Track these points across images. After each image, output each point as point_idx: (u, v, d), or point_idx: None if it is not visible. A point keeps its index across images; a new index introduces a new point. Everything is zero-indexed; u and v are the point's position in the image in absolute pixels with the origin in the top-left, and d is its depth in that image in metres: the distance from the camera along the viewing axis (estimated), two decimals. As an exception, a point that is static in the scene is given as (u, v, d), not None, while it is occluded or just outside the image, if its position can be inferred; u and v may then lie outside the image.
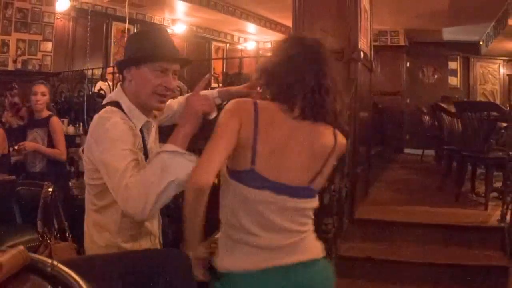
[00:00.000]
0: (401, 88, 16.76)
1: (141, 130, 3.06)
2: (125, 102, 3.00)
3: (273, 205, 2.59)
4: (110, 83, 9.59)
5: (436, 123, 11.47)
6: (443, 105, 10.82)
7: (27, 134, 6.98)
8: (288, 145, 2.64)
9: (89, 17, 13.10)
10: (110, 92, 9.44)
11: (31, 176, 6.59)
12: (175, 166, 2.56)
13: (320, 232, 4.90)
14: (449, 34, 17.44)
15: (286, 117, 2.64)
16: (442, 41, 18.45)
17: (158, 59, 2.99)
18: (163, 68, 2.98)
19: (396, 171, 11.80)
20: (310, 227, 2.77)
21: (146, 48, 3.01)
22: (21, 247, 1.99)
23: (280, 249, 2.63)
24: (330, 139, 2.72)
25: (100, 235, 2.99)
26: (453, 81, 19.18)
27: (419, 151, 14.31)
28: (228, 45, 18.66)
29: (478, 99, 18.39)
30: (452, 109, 9.16)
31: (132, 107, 3.01)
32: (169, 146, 2.60)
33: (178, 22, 15.29)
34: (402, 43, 16.93)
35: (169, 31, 14.70)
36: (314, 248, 2.75)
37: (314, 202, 2.75)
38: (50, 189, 5.25)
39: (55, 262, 1.94)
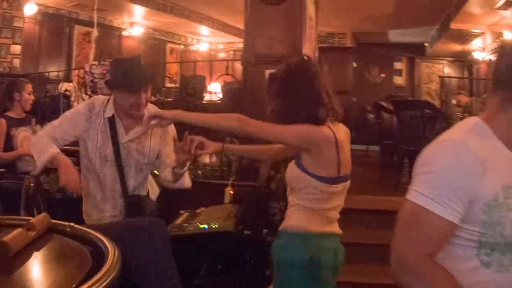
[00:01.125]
0: (348, 87, 16.89)
1: (113, 121, 4.13)
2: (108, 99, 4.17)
3: (342, 191, 3.61)
4: (76, 85, 10.12)
5: (379, 120, 12.15)
6: (382, 103, 11.58)
7: (12, 134, 6.82)
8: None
9: (64, 23, 13.37)
10: (76, 93, 9.99)
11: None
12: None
13: (268, 215, 5.60)
14: (395, 36, 17.93)
15: (337, 126, 3.58)
16: (388, 43, 18.96)
17: (127, 88, 3.98)
18: (132, 92, 3.94)
19: (342, 165, 12.20)
20: None
21: (119, 77, 4.00)
22: (45, 213, 2.65)
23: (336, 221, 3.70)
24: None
25: None
26: (398, 80, 19.80)
27: (365, 147, 14.66)
28: (182, 46, 18.92)
29: (422, 98, 18.84)
30: (391, 107, 9.91)
31: (109, 104, 4.15)
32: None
33: (136, 25, 15.55)
34: (349, 44, 17.35)
35: (126, 33, 15.10)
36: None
37: None
38: (32, 182, 5.76)
39: (71, 224, 2.61)
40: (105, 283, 1.83)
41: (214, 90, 13.73)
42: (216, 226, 5.10)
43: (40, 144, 3.98)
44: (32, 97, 7.06)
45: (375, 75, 19.35)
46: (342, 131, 3.58)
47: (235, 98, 8.54)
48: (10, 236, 2.21)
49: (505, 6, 11.69)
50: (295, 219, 3.56)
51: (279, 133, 3.39)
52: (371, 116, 14.06)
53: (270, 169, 5.86)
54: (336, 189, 3.51)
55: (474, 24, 14.06)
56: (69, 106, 9.51)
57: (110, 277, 1.88)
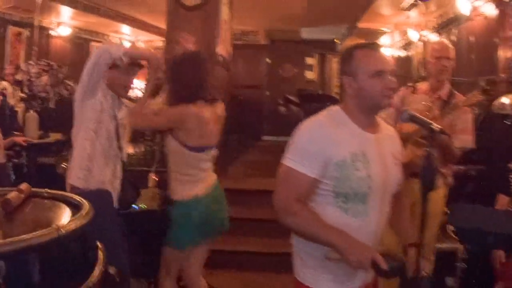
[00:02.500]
0: (261, 82, 17.77)
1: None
2: None
3: (205, 158, 4.77)
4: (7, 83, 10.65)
5: (288, 112, 12.95)
6: (290, 97, 12.45)
7: None
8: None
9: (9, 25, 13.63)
10: (12, 90, 10.52)
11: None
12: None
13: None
14: (307, 33, 18.68)
15: (211, 106, 4.81)
16: (301, 39, 19.59)
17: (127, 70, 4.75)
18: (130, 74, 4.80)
19: (254, 154, 12.96)
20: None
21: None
22: (26, 183, 3.48)
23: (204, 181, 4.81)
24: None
25: None
26: (310, 75, 20.22)
27: (276, 138, 15.09)
28: (104, 45, 18.84)
29: (333, 91, 19.82)
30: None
31: None
32: None
33: (63, 25, 15.58)
34: (263, 42, 18.11)
35: (54, 33, 15.35)
36: None
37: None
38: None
39: (47, 189, 3.44)
40: (87, 219, 2.72)
41: (137, 86, 14.39)
42: (144, 206, 5.90)
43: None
44: None
45: (287, 70, 19.72)
46: (211, 111, 4.75)
47: (156, 94, 9.29)
48: (10, 196, 3.06)
49: (410, 7, 12.63)
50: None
51: (155, 121, 4.76)
52: (282, 109, 14.73)
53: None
54: (202, 156, 4.72)
55: (382, 23, 15.04)
56: (5, 104, 10.07)
57: (90, 216, 2.76)
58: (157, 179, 6.53)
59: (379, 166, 3.13)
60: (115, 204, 4.85)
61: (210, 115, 4.72)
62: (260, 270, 7.12)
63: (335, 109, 3.22)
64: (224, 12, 8.65)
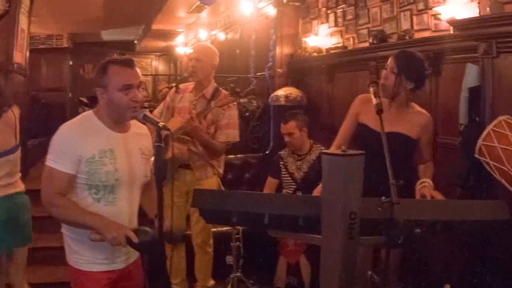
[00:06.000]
0: (63, 84, 17.46)
1: None
2: None
3: (6, 162, 4.49)
4: None
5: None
6: (82, 98, 12.71)
7: None
8: None
9: None
10: None
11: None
12: None
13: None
14: (108, 35, 18.77)
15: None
16: (102, 41, 19.72)
17: None
18: None
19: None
20: None
21: None
22: None
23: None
24: None
25: None
26: None
27: None
28: None
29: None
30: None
31: None
32: None
33: None
34: (65, 45, 17.69)
35: None
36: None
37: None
38: None
39: None
40: None
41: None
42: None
43: None
44: None
45: (89, 71, 19.89)
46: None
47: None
48: None
49: (198, 10, 13.07)
50: None
51: None
52: (80, 110, 14.79)
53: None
54: None
55: (176, 24, 15.59)
56: None
57: None
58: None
59: (126, 161, 3.48)
60: None
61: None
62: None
63: (88, 113, 3.53)
64: (23, 21, 8.60)
